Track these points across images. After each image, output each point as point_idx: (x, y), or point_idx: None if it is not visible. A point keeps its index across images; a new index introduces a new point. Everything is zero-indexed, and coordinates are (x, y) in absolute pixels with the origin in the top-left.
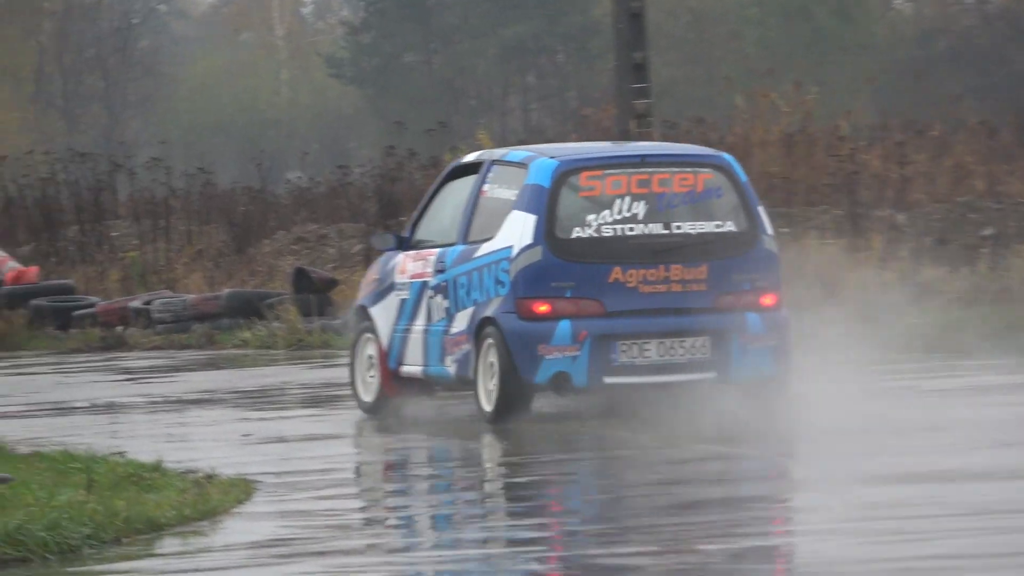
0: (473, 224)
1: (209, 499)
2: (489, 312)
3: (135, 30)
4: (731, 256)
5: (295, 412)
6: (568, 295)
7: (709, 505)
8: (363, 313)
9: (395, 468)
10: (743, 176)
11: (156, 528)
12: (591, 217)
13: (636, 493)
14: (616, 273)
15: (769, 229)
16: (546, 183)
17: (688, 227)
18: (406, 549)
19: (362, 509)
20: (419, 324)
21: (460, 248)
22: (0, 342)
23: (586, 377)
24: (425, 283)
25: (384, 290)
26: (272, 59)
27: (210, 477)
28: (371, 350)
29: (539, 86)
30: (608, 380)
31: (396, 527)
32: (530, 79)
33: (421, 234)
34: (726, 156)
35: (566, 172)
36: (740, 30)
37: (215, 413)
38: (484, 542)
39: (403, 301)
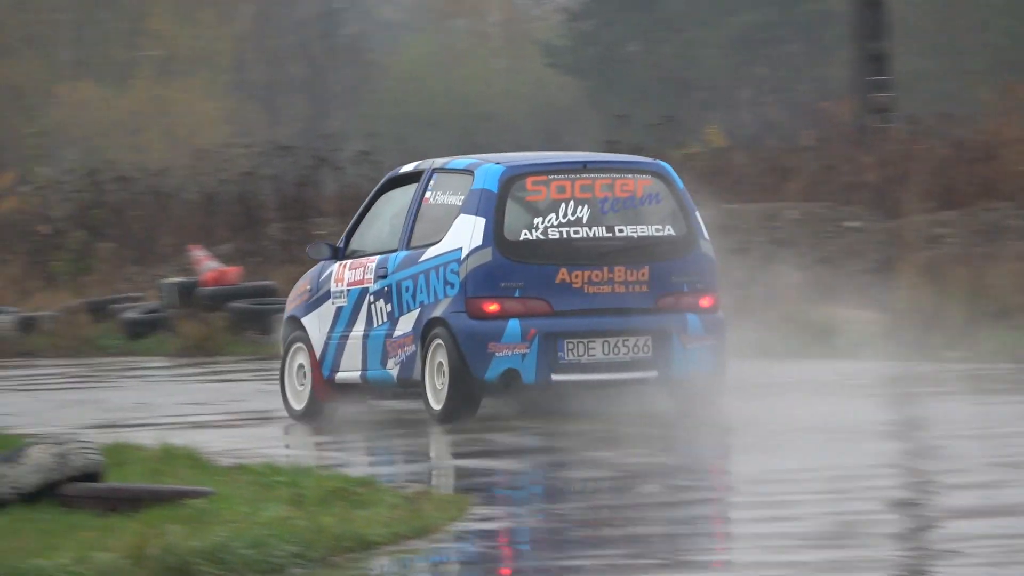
0: (416, 230)
1: (423, 515)
2: (438, 313)
3: (340, 15)
4: (671, 259)
5: (510, 424)
6: (517, 295)
7: (970, 529)
8: (294, 323)
9: (617, 482)
10: (680, 183)
11: (367, 546)
12: (538, 220)
13: (862, 519)
14: (563, 274)
15: (706, 234)
16: (494, 187)
17: (630, 230)
18: (635, 570)
19: (584, 525)
20: (358, 330)
21: (404, 254)
22: (199, 346)
23: (534, 374)
24: (365, 289)
25: (318, 299)
26: (485, 47)
27: (423, 492)
28: (301, 359)
29: (771, 78)
30: (556, 377)
31: (618, 542)
32: (761, 70)
33: (355, 244)
34: (664, 164)
35: (513, 177)
36: (988, 19)
37: (426, 425)
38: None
39: (340, 309)
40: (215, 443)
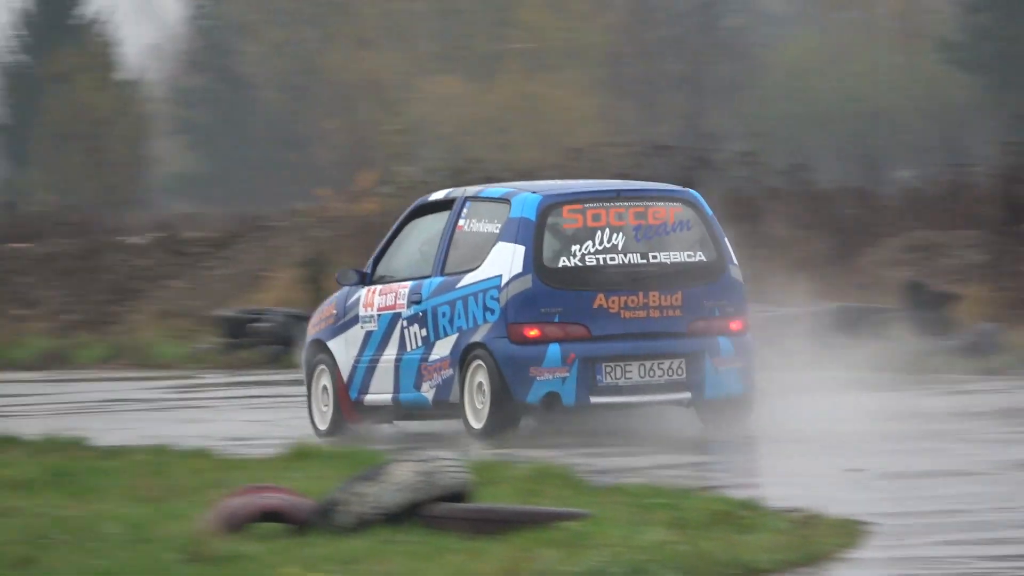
0: (450, 257)
1: (811, 542)
2: (477, 338)
3: (720, 7)
4: (702, 284)
5: (908, 445)
6: (556, 320)
7: None
8: (319, 346)
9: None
10: (709, 210)
11: (752, 574)
12: (575, 247)
13: None
14: (600, 300)
15: (735, 259)
16: (532, 216)
17: (663, 256)
18: None
19: (995, 557)
20: (389, 354)
21: (439, 280)
22: None
23: (574, 397)
24: (397, 314)
25: (345, 324)
26: (875, 42)
27: (813, 517)
28: (325, 381)
29: None
30: (594, 400)
31: None
32: None
33: (383, 270)
34: (693, 191)
35: (550, 206)
36: None
37: (807, 448)
38: None
39: (370, 333)
40: (591, 462)
